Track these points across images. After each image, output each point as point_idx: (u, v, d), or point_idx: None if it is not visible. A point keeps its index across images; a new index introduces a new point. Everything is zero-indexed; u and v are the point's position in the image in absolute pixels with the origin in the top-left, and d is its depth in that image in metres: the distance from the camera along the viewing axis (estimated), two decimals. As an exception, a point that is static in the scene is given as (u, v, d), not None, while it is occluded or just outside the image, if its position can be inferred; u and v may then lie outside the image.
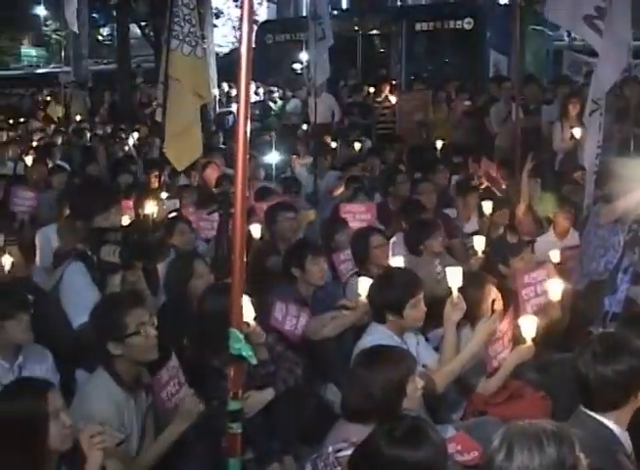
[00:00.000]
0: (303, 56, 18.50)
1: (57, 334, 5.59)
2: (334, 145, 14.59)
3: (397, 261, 6.68)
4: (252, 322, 5.14)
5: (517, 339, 5.56)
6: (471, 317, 5.59)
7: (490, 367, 5.54)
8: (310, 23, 12.85)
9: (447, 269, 5.38)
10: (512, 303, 6.03)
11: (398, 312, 5.20)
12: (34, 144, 16.14)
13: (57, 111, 19.50)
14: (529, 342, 5.39)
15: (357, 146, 14.27)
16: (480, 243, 7.36)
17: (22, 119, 21.99)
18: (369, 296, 5.62)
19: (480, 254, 7.29)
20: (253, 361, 3.71)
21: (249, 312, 5.12)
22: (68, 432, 3.65)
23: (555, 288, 6.16)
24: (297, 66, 20.99)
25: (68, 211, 8.14)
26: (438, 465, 3.23)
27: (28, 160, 12.86)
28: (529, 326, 5.38)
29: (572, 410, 3.64)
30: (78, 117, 19.93)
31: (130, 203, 8.41)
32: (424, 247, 7.28)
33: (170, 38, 8.36)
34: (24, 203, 9.50)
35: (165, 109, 8.64)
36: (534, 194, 9.32)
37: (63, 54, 21.40)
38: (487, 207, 8.63)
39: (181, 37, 8.30)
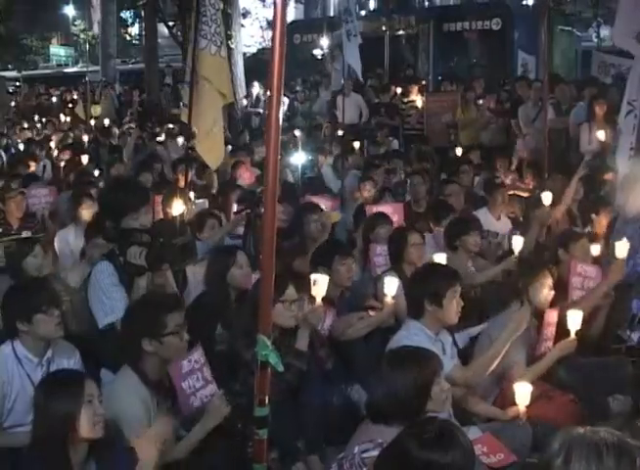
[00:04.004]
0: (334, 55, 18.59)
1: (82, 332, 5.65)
2: (358, 145, 14.56)
3: (440, 258, 6.71)
4: (319, 301, 5.19)
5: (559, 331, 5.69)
6: (522, 295, 5.79)
7: (537, 351, 5.66)
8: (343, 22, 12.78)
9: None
10: (564, 293, 6.20)
11: (438, 302, 5.16)
12: (52, 144, 16.24)
13: (85, 110, 19.66)
14: (573, 335, 5.45)
15: (356, 145, 14.25)
16: (518, 243, 7.34)
17: (51, 119, 22.14)
18: (407, 289, 5.62)
19: (516, 254, 7.27)
20: (280, 369, 3.72)
21: (321, 289, 5.20)
22: (99, 420, 3.76)
23: (623, 248, 6.43)
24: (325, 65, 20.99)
25: (83, 211, 8.24)
26: (467, 468, 3.21)
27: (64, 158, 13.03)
28: (575, 319, 5.42)
29: (601, 413, 3.61)
30: (96, 114, 20.11)
31: (157, 200, 8.45)
32: (460, 242, 7.34)
33: (199, 38, 8.38)
34: (40, 200, 9.57)
35: (191, 109, 8.65)
36: (577, 197, 9.30)
37: (91, 53, 21.54)
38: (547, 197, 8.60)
39: (209, 37, 8.33)
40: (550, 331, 5.72)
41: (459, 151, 13.21)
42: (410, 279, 5.73)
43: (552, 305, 5.89)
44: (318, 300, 5.35)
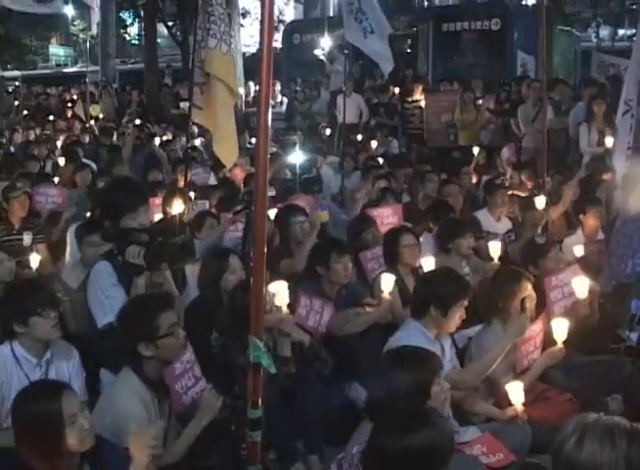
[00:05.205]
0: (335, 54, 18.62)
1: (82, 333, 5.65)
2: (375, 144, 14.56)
3: (428, 261, 6.68)
4: (285, 309, 5.16)
5: (547, 340, 5.60)
6: (503, 314, 5.67)
7: (520, 367, 5.56)
8: (348, 19, 12.67)
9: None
10: (545, 303, 6.05)
11: (444, 309, 5.17)
12: (59, 143, 16.25)
13: (85, 110, 19.66)
14: (560, 344, 5.41)
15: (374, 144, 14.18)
16: (495, 249, 7.31)
17: (50, 118, 22.14)
18: (415, 287, 5.59)
19: (496, 260, 7.24)
20: (272, 370, 3.72)
21: (283, 298, 5.16)
22: (87, 434, 3.68)
23: (581, 286, 6.12)
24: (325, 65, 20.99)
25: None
26: (445, 445, 3.27)
27: (59, 158, 12.97)
28: (561, 328, 5.39)
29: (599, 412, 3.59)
30: (101, 116, 20.09)
31: (157, 201, 8.44)
32: (453, 245, 7.28)
33: (209, 37, 8.33)
34: (47, 199, 9.56)
35: (190, 108, 8.62)
36: (573, 198, 9.30)
37: (90, 53, 21.53)
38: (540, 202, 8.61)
39: (218, 36, 8.29)
40: (531, 345, 5.63)
41: (464, 152, 13.20)
42: (422, 279, 5.71)
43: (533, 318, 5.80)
44: (284, 309, 5.30)
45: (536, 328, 5.64)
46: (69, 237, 8.17)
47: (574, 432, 2.72)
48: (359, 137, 14.82)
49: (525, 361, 5.57)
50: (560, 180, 10.18)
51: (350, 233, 7.81)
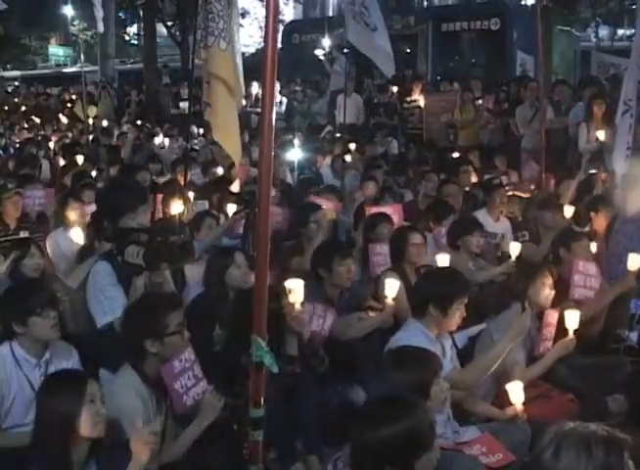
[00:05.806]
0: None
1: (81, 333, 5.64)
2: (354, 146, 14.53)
3: (443, 258, 6.71)
4: (299, 307, 5.17)
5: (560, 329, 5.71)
6: (523, 297, 5.81)
7: (537, 351, 5.69)
8: (349, 20, 12.65)
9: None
10: (566, 292, 6.22)
11: (443, 308, 5.14)
12: (51, 144, 16.24)
13: (84, 110, 19.63)
14: (572, 334, 5.47)
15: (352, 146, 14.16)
16: (515, 248, 7.35)
17: (49, 119, 22.13)
18: (416, 287, 5.59)
19: (513, 258, 7.28)
20: (275, 370, 3.72)
21: (298, 296, 5.17)
22: (100, 419, 3.82)
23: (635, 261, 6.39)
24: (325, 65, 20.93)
25: (70, 213, 8.20)
26: (421, 433, 3.31)
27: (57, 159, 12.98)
28: (573, 319, 5.44)
29: (599, 413, 3.61)
30: (93, 114, 20.06)
31: (159, 199, 8.44)
32: (462, 242, 7.34)
33: (207, 35, 8.32)
34: (35, 201, 9.53)
35: (207, 107, 8.61)
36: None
37: (89, 53, 21.44)
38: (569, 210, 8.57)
39: (216, 33, 8.27)
40: (549, 331, 5.73)
41: (457, 153, 13.15)
42: (421, 278, 5.72)
43: (553, 304, 5.89)
44: (297, 306, 5.31)
45: (556, 315, 5.74)
46: (49, 245, 8.13)
47: (551, 443, 2.73)
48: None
49: (541, 347, 5.69)
50: (554, 180, 10.16)
51: (366, 225, 7.87)
